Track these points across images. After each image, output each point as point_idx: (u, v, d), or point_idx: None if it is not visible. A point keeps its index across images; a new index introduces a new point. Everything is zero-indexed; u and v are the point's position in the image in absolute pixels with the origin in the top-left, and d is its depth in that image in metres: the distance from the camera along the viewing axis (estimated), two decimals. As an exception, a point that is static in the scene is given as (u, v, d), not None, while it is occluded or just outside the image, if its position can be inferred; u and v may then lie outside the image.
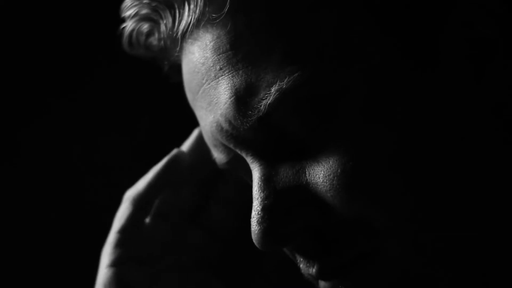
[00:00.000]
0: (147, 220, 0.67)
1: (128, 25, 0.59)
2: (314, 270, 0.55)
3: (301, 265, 0.57)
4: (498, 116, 0.54)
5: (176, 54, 0.58)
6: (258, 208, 0.54)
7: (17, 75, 1.00)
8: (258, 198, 0.55)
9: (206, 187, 0.70)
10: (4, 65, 0.99)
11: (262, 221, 0.54)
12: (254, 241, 0.54)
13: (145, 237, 0.67)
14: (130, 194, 0.67)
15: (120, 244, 0.66)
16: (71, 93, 1.00)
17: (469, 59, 0.53)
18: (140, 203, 0.66)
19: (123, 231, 0.66)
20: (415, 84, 0.52)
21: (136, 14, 0.58)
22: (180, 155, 0.67)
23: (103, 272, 0.65)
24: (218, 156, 0.59)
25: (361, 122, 0.52)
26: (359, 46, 0.52)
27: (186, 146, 0.68)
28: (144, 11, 0.58)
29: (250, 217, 0.55)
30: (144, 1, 0.57)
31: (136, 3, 0.58)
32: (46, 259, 0.99)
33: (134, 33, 0.59)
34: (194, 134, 0.68)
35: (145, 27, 0.59)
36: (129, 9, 0.59)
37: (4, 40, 0.99)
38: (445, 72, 0.53)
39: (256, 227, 0.54)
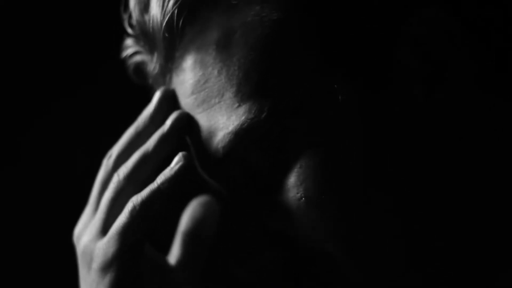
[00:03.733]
0: None
1: (129, 61, 0.64)
2: None
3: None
4: (457, 126, 0.55)
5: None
6: (230, 245, 0.59)
7: (18, 77, 1.00)
8: (230, 235, 0.59)
9: None
10: (5, 67, 0.99)
11: (236, 259, 0.58)
12: None
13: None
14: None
15: (130, 229, 0.60)
16: (72, 94, 1.00)
17: (422, 75, 0.54)
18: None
19: (137, 214, 0.60)
20: (367, 109, 0.54)
21: (134, 53, 0.63)
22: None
23: (115, 256, 0.59)
24: None
25: (311, 156, 0.54)
26: (301, 82, 0.54)
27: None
28: (138, 50, 0.63)
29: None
30: (134, 43, 0.63)
31: (131, 44, 0.63)
32: (46, 260, 0.99)
33: (135, 67, 0.64)
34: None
35: (140, 62, 0.64)
36: (127, 48, 0.64)
37: (5, 41, 0.99)
38: (396, 92, 0.54)
39: (232, 265, 0.59)
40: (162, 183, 0.59)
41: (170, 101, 0.61)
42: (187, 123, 0.59)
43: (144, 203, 0.58)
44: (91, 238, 0.60)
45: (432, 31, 0.54)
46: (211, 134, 0.57)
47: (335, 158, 0.54)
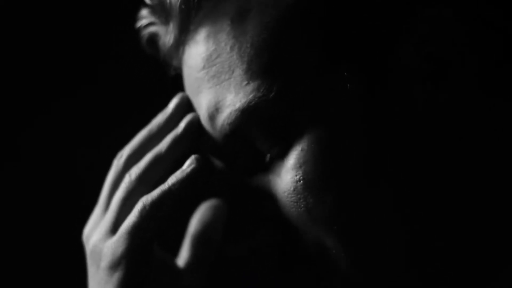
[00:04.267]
0: None
1: (143, 32, 0.64)
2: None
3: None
4: (458, 125, 0.55)
5: (175, 64, 0.63)
6: (233, 224, 0.60)
7: (18, 77, 1.00)
8: (233, 215, 0.60)
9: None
10: (4, 66, 0.99)
11: (235, 239, 0.59)
12: None
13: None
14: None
15: (140, 228, 0.60)
16: (72, 94, 1.00)
17: (424, 75, 0.54)
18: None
19: (147, 214, 0.60)
20: (370, 105, 0.54)
21: (148, 24, 0.63)
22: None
23: (123, 255, 0.59)
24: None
25: (314, 140, 0.54)
26: (309, 69, 0.55)
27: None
28: (153, 21, 0.63)
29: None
30: (150, 13, 0.63)
31: (146, 15, 0.63)
32: (47, 261, 0.99)
33: (148, 38, 0.64)
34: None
35: (153, 34, 0.63)
36: (142, 19, 0.64)
37: (5, 41, 0.99)
38: (399, 89, 0.54)
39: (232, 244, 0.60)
40: (174, 184, 0.59)
41: (186, 107, 0.62)
42: (199, 125, 0.60)
43: (154, 203, 0.59)
44: (101, 237, 0.61)
45: (435, 30, 0.54)
46: (218, 110, 0.57)
47: (338, 147, 0.54)
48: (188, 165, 0.60)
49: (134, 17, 0.65)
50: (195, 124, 0.61)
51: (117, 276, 0.58)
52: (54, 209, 0.99)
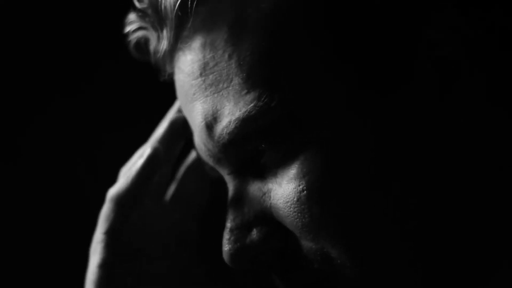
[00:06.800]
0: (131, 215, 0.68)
1: (132, 36, 0.62)
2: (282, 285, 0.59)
3: (275, 279, 0.59)
4: (468, 131, 0.54)
5: (168, 69, 0.62)
6: (227, 228, 0.58)
7: (17, 76, 1.00)
8: (228, 219, 0.58)
9: (176, 164, 0.71)
10: (4, 66, 0.99)
11: (228, 242, 0.57)
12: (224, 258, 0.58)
13: (132, 233, 0.66)
14: (114, 194, 0.65)
15: (108, 245, 0.65)
16: (72, 94, 1.00)
17: (434, 79, 0.53)
18: (124, 202, 0.65)
19: (110, 232, 0.65)
20: (378, 111, 0.53)
21: (137, 29, 0.62)
22: (158, 150, 0.66)
23: (94, 271, 0.65)
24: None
25: (319, 149, 0.53)
26: (313, 75, 0.53)
27: (159, 139, 0.67)
28: (143, 25, 0.61)
29: (222, 190, 0.61)
30: (140, 18, 0.61)
31: (135, 19, 0.61)
32: (47, 261, 0.99)
33: (136, 43, 0.63)
34: (164, 125, 0.68)
35: (143, 38, 0.62)
36: (131, 23, 0.62)
37: (5, 41, 0.99)
38: (409, 94, 0.53)
39: (224, 247, 0.57)
40: (131, 172, 0.65)
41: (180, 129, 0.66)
42: (181, 127, 0.65)
43: (118, 189, 0.65)
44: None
45: (447, 35, 0.53)
46: (217, 119, 0.56)
47: (343, 156, 0.53)
48: (145, 153, 0.65)
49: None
50: (177, 124, 0.65)
51: (94, 258, 0.65)
52: (54, 209, 0.99)
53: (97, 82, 0.99)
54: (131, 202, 0.65)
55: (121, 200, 0.65)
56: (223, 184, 0.61)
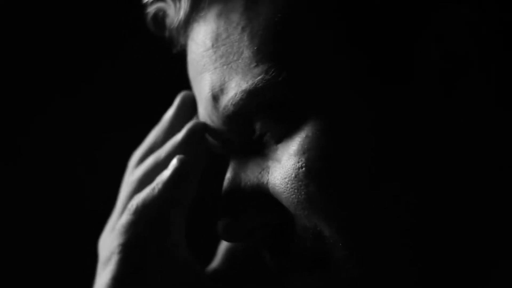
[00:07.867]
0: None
1: (150, 8, 0.62)
2: (273, 263, 0.58)
3: (266, 256, 0.59)
4: (471, 129, 0.54)
5: (181, 41, 0.61)
6: (222, 202, 0.58)
7: (17, 76, 1.00)
8: (224, 194, 0.58)
9: None
10: (4, 66, 0.99)
11: (223, 215, 0.57)
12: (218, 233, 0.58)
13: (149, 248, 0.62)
14: (140, 207, 0.61)
15: (125, 258, 0.60)
16: (72, 94, 1.00)
17: (441, 73, 0.53)
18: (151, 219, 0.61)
19: (128, 245, 0.60)
20: (382, 98, 0.53)
21: (153, 2, 0.62)
22: (186, 162, 0.62)
23: (108, 283, 0.60)
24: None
25: (321, 128, 0.53)
26: (323, 55, 0.53)
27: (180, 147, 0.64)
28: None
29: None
30: None
31: None
32: (47, 260, 0.99)
33: (154, 15, 0.62)
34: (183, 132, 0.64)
35: (160, 11, 0.62)
36: None
37: (5, 41, 0.99)
38: (415, 86, 0.53)
39: (219, 222, 0.57)
40: (157, 184, 0.60)
41: (189, 107, 0.63)
42: (201, 134, 0.60)
43: (142, 202, 0.60)
44: (104, 236, 0.63)
45: (456, 28, 0.53)
46: (223, 91, 0.56)
47: (345, 137, 0.53)
48: (171, 165, 0.60)
49: (134, 17, 0.65)
50: (197, 132, 0.60)
51: (108, 269, 0.60)
52: (54, 209, 0.99)
53: (97, 82, 0.99)
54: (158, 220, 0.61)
55: (147, 216, 0.61)
56: (212, 181, 0.61)
